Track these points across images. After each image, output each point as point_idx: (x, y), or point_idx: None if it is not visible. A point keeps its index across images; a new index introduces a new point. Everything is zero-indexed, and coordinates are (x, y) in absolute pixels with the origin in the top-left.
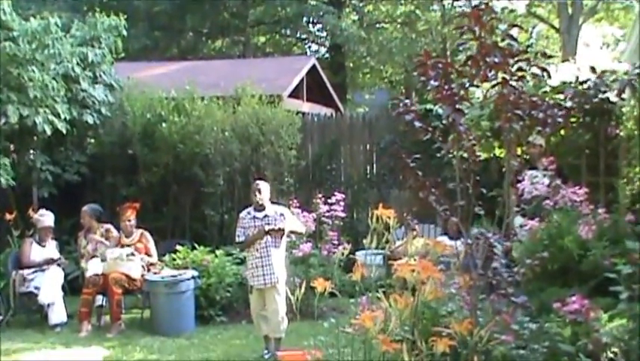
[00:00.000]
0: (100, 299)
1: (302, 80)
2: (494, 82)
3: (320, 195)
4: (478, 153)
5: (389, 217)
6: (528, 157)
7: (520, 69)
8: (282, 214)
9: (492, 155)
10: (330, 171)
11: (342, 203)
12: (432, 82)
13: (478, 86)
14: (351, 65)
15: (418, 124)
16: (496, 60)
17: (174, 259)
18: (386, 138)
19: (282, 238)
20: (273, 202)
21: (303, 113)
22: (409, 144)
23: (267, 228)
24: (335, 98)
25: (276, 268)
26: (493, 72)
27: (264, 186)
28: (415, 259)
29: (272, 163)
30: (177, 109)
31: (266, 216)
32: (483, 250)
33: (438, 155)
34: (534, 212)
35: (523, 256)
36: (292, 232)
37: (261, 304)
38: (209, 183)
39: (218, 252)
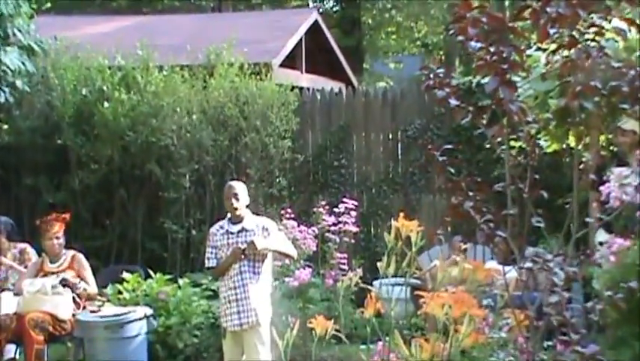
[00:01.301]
0: (11, 350)
1: (300, 42)
2: (558, 43)
3: (323, 203)
4: (543, 143)
5: (412, 231)
6: (615, 149)
7: (593, 25)
8: (265, 228)
9: (566, 146)
10: (338, 168)
11: (353, 213)
12: (472, 43)
13: (543, 50)
14: (370, 21)
15: (454, 102)
16: (561, 11)
17: (120, 292)
18: (416, 122)
19: (263, 260)
20: (256, 213)
21: (301, 89)
22: (447, 131)
23: (242, 246)
24: (346, 67)
25: (256, 302)
26: (557, 28)
27: (241, 189)
28: (447, 290)
29: (258, 158)
30: (125, 83)
31: (243, 230)
32: (543, 278)
33: (488, 146)
34: (623, 225)
35: (605, 287)
36: (280, 254)
37: (237, 353)
38: (170, 186)
39: (182, 281)
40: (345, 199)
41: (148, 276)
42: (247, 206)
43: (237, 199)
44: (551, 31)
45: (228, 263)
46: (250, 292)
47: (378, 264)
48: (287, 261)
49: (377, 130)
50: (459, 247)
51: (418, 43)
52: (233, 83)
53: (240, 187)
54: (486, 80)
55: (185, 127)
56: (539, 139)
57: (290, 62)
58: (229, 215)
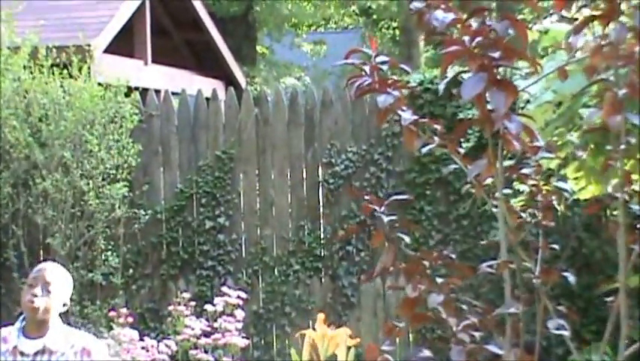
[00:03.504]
0: None
1: (141, 11)
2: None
3: (186, 296)
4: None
5: (338, 345)
6: None
7: None
8: (87, 352)
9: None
10: (214, 233)
11: (240, 314)
12: (438, 14)
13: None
14: None
15: (407, 116)
16: None
17: None
18: (350, 149)
19: None
20: (68, 323)
21: (145, 92)
22: (406, 164)
23: None
24: (226, 55)
25: None
26: None
27: (60, 280)
28: None
29: (66, 218)
30: None
31: (45, 352)
32: None
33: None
34: None
35: None
36: None
37: None
38: None
39: None
40: (225, 289)
41: None
42: (61, 313)
43: (48, 295)
44: None
45: None
46: None
47: None
48: None
49: (281, 164)
50: None
51: (354, 9)
52: (18, 82)
53: (60, 280)
54: (465, 77)
55: None
56: (563, 179)
57: (125, 46)
58: (21, 322)
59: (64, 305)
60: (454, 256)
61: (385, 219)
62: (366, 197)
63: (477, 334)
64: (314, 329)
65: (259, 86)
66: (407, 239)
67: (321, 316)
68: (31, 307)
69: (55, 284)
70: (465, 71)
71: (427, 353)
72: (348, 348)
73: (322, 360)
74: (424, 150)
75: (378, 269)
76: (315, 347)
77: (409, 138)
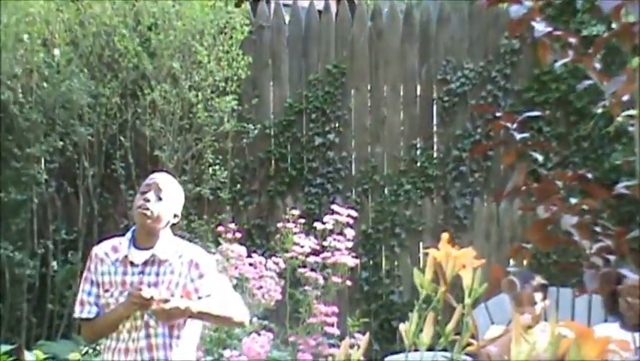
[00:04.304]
0: None
1: None
2: None
3: (295, 213)
4: None
5: (464, 267)
6: None
7: None
8: (194, 265)
9: None
10: (323, 150)
11: (350, 233)
12: None
13: None
14: None
15: (541, 28)
16: None
17: None
18: (467, 66)
19: (184, 323)
20: (178, 233)
21: (256, 4)
22: (526, 83)
23: (146, 292)
24: None
25: None
26: None
27: (171, 189)
28: None
29: (175, 130)
30: None
31: (154, 262)
32: None
33: (601, 111)
34: None
35: None
36: (218, 321)
37: None
38: (10, 181)
39: (30, 356)
40: (335, 207)
41: None
42: (172, 224)
43: (160, 202)
44: None
45: (120, 316)
46: None
47: (401, 327)
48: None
49: (395, 80)
50: (530, 296)
51: None
52: None
53: (173, 188)
54: None
55: (39, 70)
56: None
57: None
58: (132, 233)
59: (175, 216)
60: (590, 175)
61: (518, 136)
62: (498, 113)
63: (612, 257)
64: (435, 247)
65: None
66: (540, 158)
67: (445, 235)
68: (143, 213)
69: (167, 192)
70: None
71: (539, 278)
72: (474, 269)
73: (447, 281)
74: (558, 64)
75: (509, 188)
76: (440, 265)
77: (542, 52)
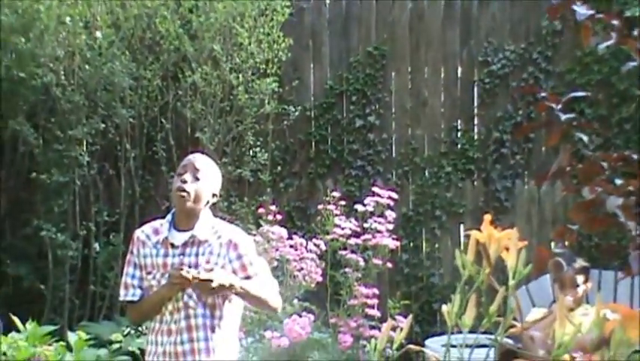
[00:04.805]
0: None
1: None
2: None
3: (335, 195)
4: None
5: (508, 249)
6: None
7: None
8: (232, 246)
9: None
10: (364, 132)
11: (391, 215)
12: None
13: None
14: None
15: (582, 11)
16: None
17: None
18: (508, 47)
19: (223, 300)
20: (219, 215)
21: None
22: (568, 64)
23: (187, 271)
24: None
25: None
26: None
27: (208, 169)
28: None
29: (216, 112)
30: None
31: (193, 243)
32: None
33: None
34: None
35: None
36: (253, 301)
37: None
38: (53, 162)
39: (74, 337)
40: (376, 189)
41: (10, 327)
42: (212, 204)
43: (197, 182)
44: None
45: (163, 297)
46: (203, 353)
47: (443, 308)
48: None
49: (435, 62)
50: (572, 279)
51: None
52: None
53: (209, 168)
54: None
55: (81, 53)
56: None
57: None
58: (172, 215)
59: (213, 195)
60: (635, 156)
61: (563, 117)
62: (542, 94)
63: None
64: (477, 228)
65: None
66: (585, 139)
67: (487, 216)
68: (181, 195)
69: (204, 172)
70: None
71: (581, 261)
72: (518, 251)
73: (491, 262)
74: (601, 46)
75: (554, 169)
76: (484, 246)
77: (585, 35)
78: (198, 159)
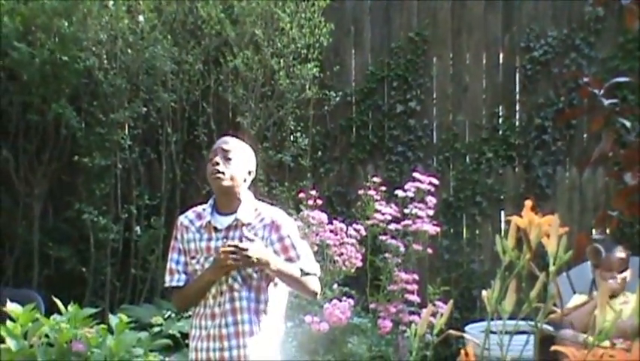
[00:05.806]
0: None
1: None
2: None
3: (376, 180)
4: None
5: (548, 235)
6: None
7: None
8: (274, 227)
9: None
10: (405, 117)
11: (431, 201)
12: None
13: None
14: None
15: None
16: None
17: None
18: (551, 34)
19: (269, 284)
20: (260, 199)
21: None
22: (610, 50)
23: (228, 245)
24: None
25: (258, 354)
26: None
27: (242, 152)
28: (614, 345)
29: (257, 97)
30: None
31: (237, 226)
32: None
33: None
34: None
35: None
36: (292, 283)
37: None
38: (94, 146)
39: (115, 320)
40: (416, 175)
41: (52, 309)
42: (253, 188)
43: (229, 162)
44: None
45: (208, 281)
46: (247, 335)
47: (484, 294)
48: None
49: (477, 48)
50: (615, 264)
51: None
52: None
53: (238, 148)
54: None
55: (123, 37)
56: None
57: None
58: (213, 199)
59: (249, 173)
60: None
61: (606, 102)
62: (585, 80)
63: None
64: (518, 215)
65: None
66: (628, 125)
67: (528, 202)
68: (215, 177)
69: (233, 152)
70: None
71: (622, 248)
72: (559, 237)
73: (532, 248)
74: None
75: (596, 155)
76: (525, 232)
77: (629, 18)
78: (226, 141)
